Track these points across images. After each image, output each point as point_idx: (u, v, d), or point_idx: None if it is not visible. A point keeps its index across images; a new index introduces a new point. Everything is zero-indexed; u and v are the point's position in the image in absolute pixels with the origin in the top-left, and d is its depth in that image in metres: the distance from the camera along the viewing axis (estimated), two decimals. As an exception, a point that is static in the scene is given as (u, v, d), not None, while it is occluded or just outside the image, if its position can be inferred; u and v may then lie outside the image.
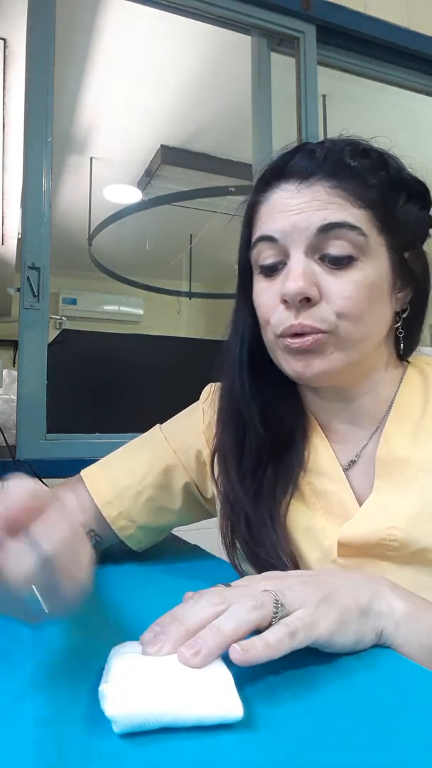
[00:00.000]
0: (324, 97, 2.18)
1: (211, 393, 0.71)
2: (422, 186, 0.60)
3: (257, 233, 0.59)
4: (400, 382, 0.62)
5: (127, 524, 0.67)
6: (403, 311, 0.61)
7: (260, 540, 0.59)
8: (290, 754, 0.29)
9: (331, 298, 0.54)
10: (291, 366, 0.57)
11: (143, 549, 0.71)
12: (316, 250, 0.55)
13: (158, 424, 0.74)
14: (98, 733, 0.31)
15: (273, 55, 1.80)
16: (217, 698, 0.32)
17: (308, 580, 0.42)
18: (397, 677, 0.38)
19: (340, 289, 0.54)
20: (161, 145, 2.81)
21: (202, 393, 0.73)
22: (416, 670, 0.39)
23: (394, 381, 0.62)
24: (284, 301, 0.55)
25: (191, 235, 4.03)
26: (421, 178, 0.60)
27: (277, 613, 0.37)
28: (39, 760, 0.28)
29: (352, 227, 0.54)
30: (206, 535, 0.73)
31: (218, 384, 0.71)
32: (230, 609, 0.37)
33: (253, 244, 0.59)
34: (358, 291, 0.54)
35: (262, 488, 0.61)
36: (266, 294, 0.58)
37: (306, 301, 0.54)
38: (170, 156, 2.84)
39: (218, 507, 0.66)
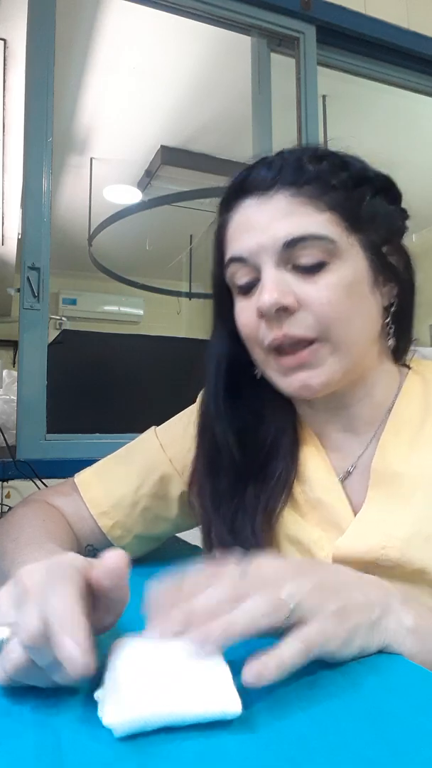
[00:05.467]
0: (324, 97, 2.18)
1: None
2: (387, 180, 0.59)
3: (228, 254, 0.58)
4: (399, 389, 0.61)
5: (123, 534, 0.67)
6: (391, 305, 0.59)
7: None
8: (290, 755, 0.29)
9: (310, 305, 0.53)
10: (287, 385, 0.56)
11: (137, 556, 0.70)
12: (286, 262, 0.54)
13: (153, 427, 0.72)
14: (97, 734, 0.30)
15: (273, 55, 1.80)
16: (215, 694, 0.32)
17: (327, 586, 0.41)
18: (398, 678, 0.38)
19: (318, 295, 0.53)
20: (161, 146, 2.81)
21: (199, 396, 0.71)
22: (418, 672, 0.39)
23: (390, 384, 0.61)
24: (262, 316, 0.54)
25: (191, 235, 4.03)
26: (385, 173, 0.59)
27: (288, 618, 0.37)
28: (38, 761, 0.28)
29: (318, 238, 0.53)
30: (206, 535, 0.73)
31: None
32: (244, 606, 0.36)
33: (226, 265, 0.59)
34: (337, 294, 0.53)
35: (238, 514, 0.60)
36: (246, 312, 0.57)
37: (284, 311, 0.53)
38: (170, 156, 2.84)
39: None
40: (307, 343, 0.54)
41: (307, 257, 0.53)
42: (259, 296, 0.54)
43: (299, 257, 0.53)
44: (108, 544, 0.67)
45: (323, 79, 1.82)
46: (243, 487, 0.61)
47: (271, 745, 0.30)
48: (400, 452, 0.56)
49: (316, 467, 0.61)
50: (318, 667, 0.39)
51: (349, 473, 0.60)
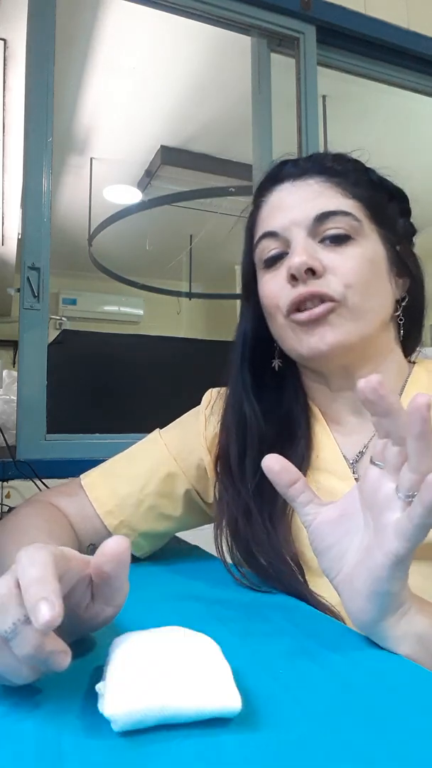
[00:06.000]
0: (324, 97, 2.18)
1: (212, 399, 0.72)
2: (401, 192, 0.66)
3: (260, 232, 0.63)
4: (407, 380, 0.65)
5: (129, 532, 0.67)
6: (403, 299, 0.64)
7: (260, 541, 0.58)
8: (290, 755, 0.29)
9: (336, 270, 0.58)
10: (305, 343, 0.59)
11: (145, 555, 0.71)
12: (315, 235, 0.60)
13: (158, 429, 0.73)
14: (97, 733, 0.31)
15: (273, 55, 1.80)
16: (215, 690, 0.32)
17: None
18: (398, 678, 0.38)
19: (344, 262, 0.58)
20: (161, 146, 2.81)
21: (203, 398, 0.73)
22: (418, 672, 0.39)
23: (400, 375, 0.65)
24: (291, 277, 0.58)
25: (191, 236, 4.03)
26: (399, 186, 0.66)
27: None
28: (38, 760, 0.28)
29: (346, 213, 0.59)
30: (206, 535, 0.73)
31: (219, 389, 0.72)
32: None
33: (257, 243, 0.63)
34: (361, 263, 0.58)
35: (263, 487, 0.60)
36: (269, 283, 0.62)
37: (311, 273, 0.58)
38: (170, 156, 2.84)
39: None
40: (327, 299, 0.58)
41: (335, 229, 0.59)
42: (290, 259, 0.59)
43: (328, 230, 0.59)
44: None
45: (323, 79, 1.82)
46: (261, 474, 0.62)
47: (271, 745, 0.30)
48: None
49: (327, 454, 0.63)
50: (318, 667, 0.39)
51: (361, 454, 0.62)
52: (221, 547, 0.62)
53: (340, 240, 0.59)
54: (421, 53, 1.92)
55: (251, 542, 0.59)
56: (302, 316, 0.58)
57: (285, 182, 0.62)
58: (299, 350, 0.60)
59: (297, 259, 0.57)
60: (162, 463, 0.68)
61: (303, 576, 0.56)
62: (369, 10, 1.84)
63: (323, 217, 0.59)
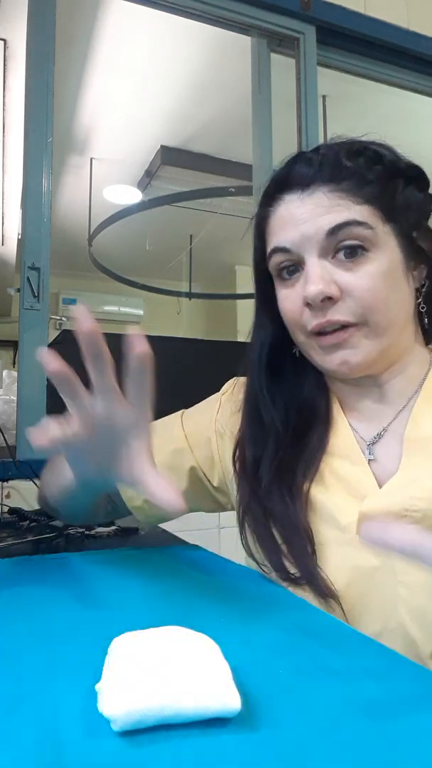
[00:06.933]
0: (324, 97, 2.19)
1: (232, 386, 0.75)
2: (418, 170, 0.64)
3: (271, 245, 0.63)
4: (430, 365, 0.65)
5: (134, 495, 0.69)
6: (422, 286, 0.64)
7: (278, 514, 0.61)
8: (290, 755, 0.29)
9: (352, 293, 0.57)
10: (329, 362, 0.60)
11: (151, 524, 0.74)
12: (327, 252, 0.58)
13: (182, 410, 0.77)
14: (96, 732, 0.31)
15: (273, 55, 1.80)
16: (214, 690, 0.32)
17: None
18: (398, 678, 0.38)
19: (359, 283, 0.57)
20: (161, 146, 2.81)
21: (225, 385, 0.76)
22: (418, 672, 0.39)
23: (422, 361, 0.65)
24: (308, 305, 0.59)
25: (191, 236, 4.03)
26: (416, 163, 0.64)
27: None
28: (37, 760, 0.28)
29: (358, 223, 0.57)
30: (206, 535, 0.73)
31: (242, 378, 0.74)
32: None
33: (269, 256, 0.63)
34: (376, 282, 0.57)
35: (283, 465, 0.63)
36: (289, 300, 0.62)
37: (328, 300, 0.57)
38: (170, 156, 2.85)
39: (234, 491, 0.69)
40: (347, 325, 0.58)
41: (347, 240, 0.57)
42: (305, 286, 0.58)
43: (340, 245, 0.58)
44: (123, 506, 0.71)
45: (323, 79, 1.82)
46: (285, 449, 0.65)
47: (271, 745, 0.30)
48: (430, 420, 0.60)
49: (343, 441, 0.64)
50: (318, 667, 0.39)
51: (378, 437, 0.63)
52: (245, 532, 0.65)
53: (354, 254, 0.57)
54: (421, 53, 1.92)
55: (269, 516, 0.62)
56: (323, 341, 0.59)
57: (293, 191, 0.60)
58: (323, 366, 0.62)
59: (312, 288, 0.57)
60: (173, 438, 0.72)
61: (313, 549, 0.59)
62: (369, 10, 1.84)
63: (336, 230, 0.57)
